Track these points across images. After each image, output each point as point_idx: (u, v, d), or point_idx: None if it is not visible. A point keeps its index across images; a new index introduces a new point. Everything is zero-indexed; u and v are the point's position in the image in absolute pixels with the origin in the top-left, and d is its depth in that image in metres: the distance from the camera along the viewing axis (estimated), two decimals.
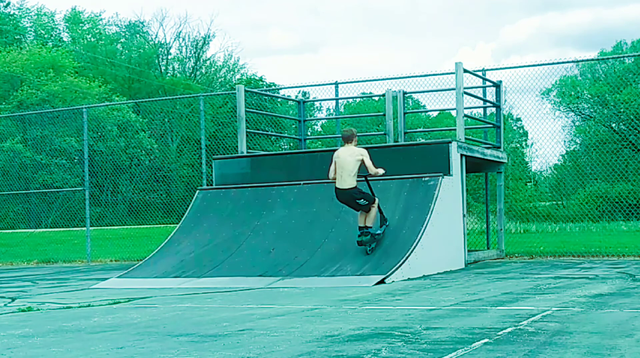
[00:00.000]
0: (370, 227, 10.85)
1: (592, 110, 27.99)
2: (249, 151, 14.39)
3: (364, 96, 23.58)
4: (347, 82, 16.90)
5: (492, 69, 15.17)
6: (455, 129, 12.97)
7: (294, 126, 26.89)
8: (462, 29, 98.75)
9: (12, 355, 5.21)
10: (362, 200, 10.83)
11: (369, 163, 10.74)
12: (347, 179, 10.71)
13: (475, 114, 15.40)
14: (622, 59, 29.03)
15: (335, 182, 10.88)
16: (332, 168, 10.90)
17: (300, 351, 4.96)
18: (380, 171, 10.85)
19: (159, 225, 23.50)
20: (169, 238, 12.41)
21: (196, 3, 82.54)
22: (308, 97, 28.15)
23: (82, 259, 18.34)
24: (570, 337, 5.16)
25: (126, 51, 56.89)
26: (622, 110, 24.13)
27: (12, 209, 28.53)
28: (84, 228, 18.80)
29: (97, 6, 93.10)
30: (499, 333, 5.44)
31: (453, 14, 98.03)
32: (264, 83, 52.72)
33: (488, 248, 15.18)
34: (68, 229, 26.07)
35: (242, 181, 13.31)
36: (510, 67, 15.21)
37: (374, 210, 10.93)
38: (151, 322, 6.73)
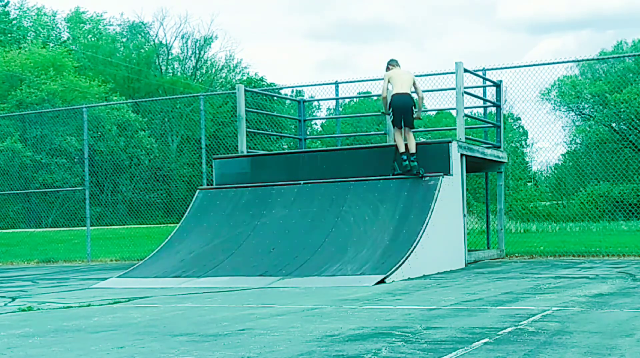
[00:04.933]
0: (415, 154, 11.60)
1: (592, 109, 27.99)
2: (249, 150, 14.38)
3: (364, 96, 23.59)
4: (347, 82, 16.89)
5: (492, 69, 15.16)
6: (455, 129, 12.96)
7: (293, 125, 26.89)
8: (461, 29, 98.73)
9: (13, 355, 5.21)
10: (414, 114, 11.74)
11: (418, 85, 11.97)
12: (407, 90, 11.67)
13: (475, 114, 15.38)
14: (622, 58, 29.03)
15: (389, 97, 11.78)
16: (385, 86, 11.84)
17: (300, 351, 4.96)
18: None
19: (159, 225, 23.49)
20: (169, 237, 12.41)
21: (197, 3, 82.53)
22: (309, 97, 28.15)
23: (82, 258, 18.34)
24: (570, 337, 5.16)
25: (126, 51, 56.88)
26: (622, 109, 24.13)
27: (12, 209, 28.52)
28: (84, 228, 18.80)
29: (99, 7, 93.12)
30: (499, 333, 5.44)
31: (453, 14, 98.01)
32: (265, 83, 52.70)
33: (488, 248, 15.17)
34: (68, 228, 26.06)
35: (242, 180, 13.31)
36: (510, 67, 15.19)
37: (413, 137, 11.86)
38: (151, 322, 6.73)
